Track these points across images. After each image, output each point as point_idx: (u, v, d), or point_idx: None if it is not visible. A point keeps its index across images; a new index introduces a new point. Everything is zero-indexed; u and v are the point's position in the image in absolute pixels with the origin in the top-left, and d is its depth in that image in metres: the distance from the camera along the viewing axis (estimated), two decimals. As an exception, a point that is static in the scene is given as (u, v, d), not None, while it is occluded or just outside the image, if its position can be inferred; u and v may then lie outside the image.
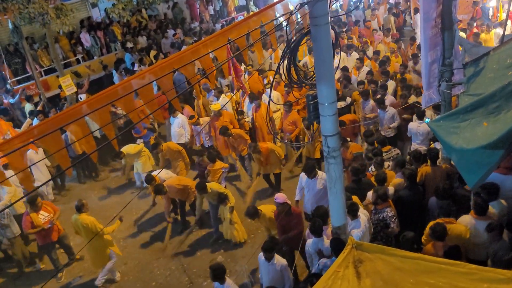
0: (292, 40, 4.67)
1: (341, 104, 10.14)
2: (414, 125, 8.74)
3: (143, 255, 8.79)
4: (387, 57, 12.46)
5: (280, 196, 6.81)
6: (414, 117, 9.00)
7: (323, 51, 4.44)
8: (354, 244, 3.78)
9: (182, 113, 11.12)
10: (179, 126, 10.91)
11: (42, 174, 10.03)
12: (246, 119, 11.19)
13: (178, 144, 10.92)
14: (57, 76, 14.09)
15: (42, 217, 7.99)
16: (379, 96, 9.87)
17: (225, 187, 9.20)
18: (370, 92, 10.49)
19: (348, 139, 8.70)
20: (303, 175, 7.69)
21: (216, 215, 8.54)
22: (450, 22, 6.14)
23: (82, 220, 7.61)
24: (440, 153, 7.26)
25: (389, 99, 9.97)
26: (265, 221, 7.35)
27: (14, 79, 14.99)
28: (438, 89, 6.52)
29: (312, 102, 4.96)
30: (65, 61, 15.89)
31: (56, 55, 14.00)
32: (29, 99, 13.36)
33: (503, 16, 13.41)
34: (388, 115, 9.43)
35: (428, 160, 7.24)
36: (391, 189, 7.05)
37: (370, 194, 7.04)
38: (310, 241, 6.34)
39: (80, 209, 7.68)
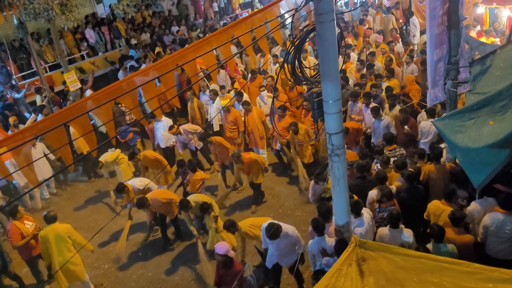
0: (297, 37, 4.64)
1: None
2: (427, 124, 8.66)
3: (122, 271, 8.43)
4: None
5: (221, 246, 6.29)
6: (426, 115, 8.91)
7: (328, 49, 4.40)
8: (357, 242, 3.76)
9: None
10: (165, 130, 10.66)
11: (41, 170, 9.95)
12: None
13: (166, 148, 10.90)
14: (62, 72, 14.12)
15: (28, 225, 7.55)
16: (374, 104, 9.48)
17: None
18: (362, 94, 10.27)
19: (346, 146, 8.47)
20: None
21: (200, 226, 8.43)
22: (456, 20, 6.10)
23: (58, 230, 7.21)
24: (444, 151, 7.23)
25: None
26: (242, 235, 7.13)
27: (19, 75, 15.04)
28: (444, 87, 6.48)
29: (316, 99, 4.94)
30: (70, 57, 15.92)
31: (61, 51, 14.03)
32: (38, 91, 13.45)
33: (488, 24, 13.19)
34: (383, 124, 9.00)
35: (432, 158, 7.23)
36: (392, 188, 7.03)
37: (372, 192, 7.02)
38: (312, 241, 6.32)
39: (51, 220, 7.27)
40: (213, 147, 9.71)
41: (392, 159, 7.89)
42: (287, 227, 6.49)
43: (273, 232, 6.39)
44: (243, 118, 10.58)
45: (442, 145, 7.38)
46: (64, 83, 13.76)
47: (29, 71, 15.25)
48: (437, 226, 5.56)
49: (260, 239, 6.93)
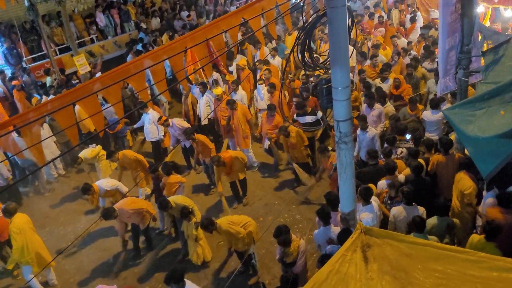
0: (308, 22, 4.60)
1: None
2: (428, 114, 8.59)
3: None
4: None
5: None
6: (428, 106, 8.87)
7: (338, 34, 4.35)
8: (363, 229, 3.74)
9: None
10: (150, 123, 10.42)
11: (49, 151, 10.00)
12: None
13: (151, 141, 10.66)
14: (72, 55, 14.15)
15: None
16: (359, 113, 9.29)
17: None
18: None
19: (330, 148, 8.24)
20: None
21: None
22: (470, 8, 6.01)
23: (16, 224, 7.23)
24: (454, 142, 7.17)
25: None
26: (222, 234, 6.96)
27: (30, 57, 15.11)
28: (455, 76, 6.41)
29: (325, 86, 4.91)
30: (79, 40, 15.94)
31: (71, 33, 14.03)
32: (48, 72, 13.51)
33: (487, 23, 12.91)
34: (368, 136, 8.33)
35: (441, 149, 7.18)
36: (401, 177, 7.01)
37: (381, 183, 7.00)
38: (317, 231, 6.33)
39: (11, 212, 7.25)
40: (196, 144, 9.53)
41: (400, 150, 7.87)
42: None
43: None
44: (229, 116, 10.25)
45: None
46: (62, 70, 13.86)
47: (39, 53, 15.31)
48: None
49: (241, 235, 6.79)
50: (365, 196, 6.13)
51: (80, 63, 12.43)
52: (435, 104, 8.34)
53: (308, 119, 9.50)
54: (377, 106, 9.11)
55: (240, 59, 12.97)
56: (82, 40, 16.19)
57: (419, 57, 11.55)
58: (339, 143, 4.84)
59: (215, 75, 12.24)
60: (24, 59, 14.91)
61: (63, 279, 8.11)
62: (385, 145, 7.93)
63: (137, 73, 4.81)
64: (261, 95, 11.21)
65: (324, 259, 5.17)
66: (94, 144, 10.23)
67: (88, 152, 9.80)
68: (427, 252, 3.45)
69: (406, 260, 3.46)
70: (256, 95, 11.45)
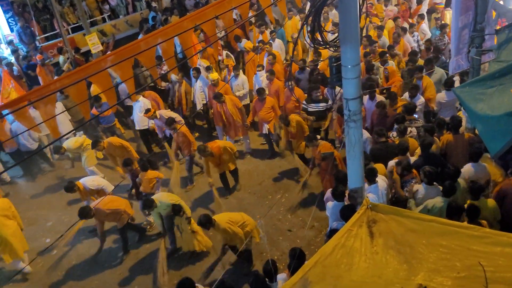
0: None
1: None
2: (443, 95, 8.52)
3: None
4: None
5: None
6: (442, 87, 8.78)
7: (349, 11, 4.34)
8: (369, 204, 3.81)
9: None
10: (141, 111, 10.17)
11: (63, 127, 10.01)
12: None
13: (141, 130, 10.43)
14: (84, 34, 14.20)
15: None
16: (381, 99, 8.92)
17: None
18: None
19: (318, 136, 8.13)
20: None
21: (170, 226, 7.72)
22: (484, -15, 5.91)
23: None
24: (464, 121, 7.14)
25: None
26: (219, 232, 6.76)
27: (43, 36, 15.20)
28: (467, 55, 6.34)
29: (335, 64, 4.91)
30: (91, 20, 15.96)
31: (83, 12, 14.04)
32: (60, 51, 13.61)
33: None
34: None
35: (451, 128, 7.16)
36: (413, 159, 7.01)
37: (391, 162, 7.02)
38: (331, 204, 6.42)
39: None
40: (177, 135, 9.18)
41: (409, 129, 7.85)
42: None
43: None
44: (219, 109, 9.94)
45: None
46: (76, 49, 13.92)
47: (52, 33, 15.39)
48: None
49: (239, 236, 6.63)
50: (369, 177, 6.16)
51: (92, 42, 12.47)
52: (450, 84, 8.27)
53: (322, 106, 9.30)
54: (379, 97, 8.96)
55: (245, 42, 12.68)
56: (94, 19, 16.20)
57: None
58: (348, 121, 4.86)
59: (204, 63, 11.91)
60: (38, 38, 15.01)
61: (37, 276, 7.97)
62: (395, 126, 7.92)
63: (147, 50, 4.85)
64: (259, 82, 10.88)
65: (332, 233, 5.24)
66: (81, 132, 10.09)
67: (71, 142, 9.60)
68: (432, 228, 3.50)
69: (411, 236, 3.52)
70: (254, 82, 11.09)
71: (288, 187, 9.19)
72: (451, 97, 8.18)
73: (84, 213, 7.32)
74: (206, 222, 6.49)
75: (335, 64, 4.91)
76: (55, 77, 12.00)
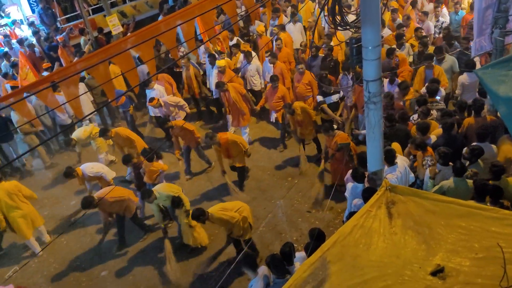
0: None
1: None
2: (465, 77, 8.40)
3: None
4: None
5: None
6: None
7: (370, -9, 4.30)
8: (388, 186, 3.83)
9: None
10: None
11: (85, 108, 10.16)
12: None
13: (156, 116, 10.35)
14: (104, 16, 14.30)
15: None
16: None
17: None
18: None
19: (335, 126, 7.98)
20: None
21: (175, 216, 7.68)
22: (510, -36, 5.76)
23: (7, 187, 7.67)
24: (485, 104, 7.05)
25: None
26: (215, 222, 6.68)
27: (64, 17, 15.35)
28: (490, 36, 6.21)
29: (355, 45, 4.88)
30: (111, 1, 16.03)
31: (103, -7, 14.12)
32: (82, 32, 13.75)
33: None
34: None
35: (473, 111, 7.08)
36: (433, 138, 6.99)
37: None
38: (350, 185, 6.46)
39: None
40: (175, 131, 9.04)
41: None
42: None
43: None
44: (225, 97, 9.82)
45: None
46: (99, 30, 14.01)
47: (72, 14, 15.53)
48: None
49: (234, 222, 6.54)
50: (387, 158, 6.15)
51: (113, 23, 12.55)
52: (472, 65, 8.13)
53: (334, 98, 9.22)
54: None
55: (258, 25, 12.26)
56: (114, 0, 16.28)
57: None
58: (368, 103, 4.85)
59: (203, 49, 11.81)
60: (59, 19, 15.17)
61: (43, 264, 8.10)
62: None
63: (168, 31, 4.89)
64: (268, 68, 10.66)
65: (350, 215, 5.29)
66: (88, 121, 10.18)
67: (81, 133, 9.66)
68: (451, 209, 3.52)
69: (429, 217, 3.55)
70: (264, 69, 10.89)
71: (307, 171, 9.17)
72: (473, 79, 8.06)
73: (87, 203, 7.29)
74: (199, 215, 6.42)
75: (355, 46, 4.88)
76: (76, 59, 12.18)
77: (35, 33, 14.64)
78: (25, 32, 15.82)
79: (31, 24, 15.58)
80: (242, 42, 12.09)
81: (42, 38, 14.52)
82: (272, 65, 10.34)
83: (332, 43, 10.64)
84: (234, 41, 12.14)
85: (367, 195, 5.37)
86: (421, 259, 3.30)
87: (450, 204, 3.55)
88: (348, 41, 4.99)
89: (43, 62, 13.23)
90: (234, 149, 8.35)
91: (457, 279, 3.11)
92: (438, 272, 3.18)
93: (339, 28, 5.14)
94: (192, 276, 7.26)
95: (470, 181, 5.84)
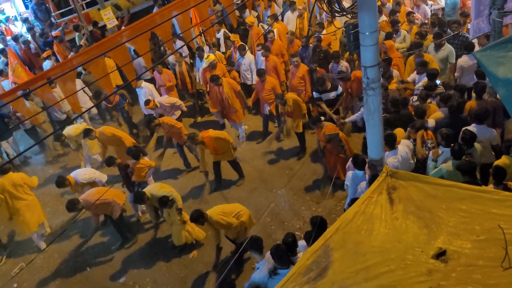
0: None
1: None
2: (465, 59, 8.36)
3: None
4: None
5: None
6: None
7: (366, -23, 4.27)
8: (388, 172, 3.84)
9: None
10: (146, 96, 10.01)
11: (85, 107, 10.20)
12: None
13: (150, 116, 9.73)
14: (98, 9, 14.20)
15: None
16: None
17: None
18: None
19: (322, 118, 7.86)
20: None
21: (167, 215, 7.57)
22: None
23: (14, 179, 7.75)
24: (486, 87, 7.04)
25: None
26: (213, 225, 6.65)
27: (58, 12, 15.25)
28: (488, 17, 6.18)
29: (352, 31, 4.85)
30: (105, -6, 15.92)
31: (97, -13, 14.04)
32: (76, 28, 13.67)
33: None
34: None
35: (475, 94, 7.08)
36: (431, 122, 6.98)
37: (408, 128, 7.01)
38: (351, 173, 6.46)
39: (4, 171, 7.64)
40: (163, 128, 8.94)
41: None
42: None
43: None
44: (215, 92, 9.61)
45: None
46: (93, 24, 13.92)
47: (66, 8, 15.42)
48: None
49: (234, 226, 6.54)
50: (388, 142, 6.15)
51: (107, 17, 12.46)
52: (471, 48, 8.09)
53: (331, 95, 8.86)
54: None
55: (248, 16, 11.96)
56: (108, -7, 16.16)
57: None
58: (367, 89, 4.84)
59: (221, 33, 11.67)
60: (53, 14, 15.07)
61: (49, 261, 8.11)
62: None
63: (164, 23, 4.86)
64: (261, 61, 10.42)
65: (352, 202, 5.30)
66: (82, 120, 10.04)
67: (72, 129, 9.43)
68: (452, 193, 3.53)
69: (431, 201, 3.56)
70: (256, 62, 10.65)
71: (307, 160, 9.18)
72: (474, 61, 8.03)
73: (72, 206, 7.20)
74: (199, 217, 6.40)
75: (352, 32, 4.86)
76: (71, 54, 12.13)
77: (30, 29, 14.57)
78: (19, 28, 15.75)
79: (25, 20, 15.50)
80: (230, 34, 11.79)
81: (37, 34, 14.45)
82: (264, 58, 10.14)
83: (325, 32, 10.51)
84: (221, 33, 11.88)
85: (373, 180, 5.38)
86: (422, 243, 3.32)
87: (451, 188, 3.56)
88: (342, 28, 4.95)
89: (39, 58, 13.20)
90: (220, 145, 8.26)
91: (458, 261, 3.13)
92: (440, 255, 3.20)
93: (335, 14, 5.11)
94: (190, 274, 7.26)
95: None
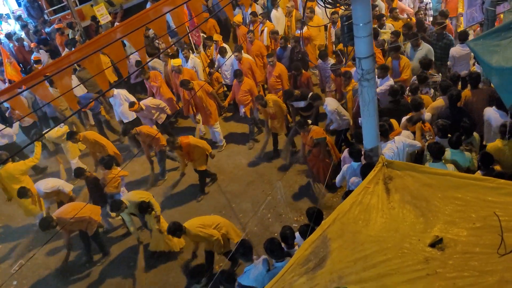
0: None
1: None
2: (457, 49, 8.38)
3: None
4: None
5: None
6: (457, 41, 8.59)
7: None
8: (384, 162, 3.87)
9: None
10: (122, 103, 9.76)
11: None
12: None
13: (133, 121, 9.82)
14: (91, 5, 14.14)
15: None
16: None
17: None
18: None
19: (309, 121, 7.69)
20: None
21: (147, 225, 7.43)
22: None
23: (10, 171, 7.89)
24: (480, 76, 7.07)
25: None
26: (192, 238, 6.52)
27: (51, 9, 15.17)
28: (481, 6, 6.20)
29: (346, 23, 4.86)
30: (98, -10, 15.83)
31: (89, -17, 13.99)
32: (70, 26, 13.62)
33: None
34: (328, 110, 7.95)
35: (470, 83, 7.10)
36: (427, 115, 7.00)
37: (404, 119, 7.03)
38: (347, 166, 6.48)
39: (1, 161, 7.71)
40: (141, 137, 8.76)
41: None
42: None
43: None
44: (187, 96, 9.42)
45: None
46: (92, 18, 13.87)
47: (59, 5, 15.34)
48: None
49: (215, 238, 6.36)
50: (382, 133, 6.17)
51: (101, 13, 12.41)
52: (464, 37, 8.11)
53: (301, 104, 8.61)
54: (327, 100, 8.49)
55: (236, 15, 11.69)
56: (100, -11, 16.07)
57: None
58: (362, 80, 4.86)
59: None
60: (46, 11, 14.99)
61: (48, 257, 8.09)
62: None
63: (158, 18, 4.86)
64: (235, 63, 10.09)
65: (347, 194, 5.34)
66: (62, 124, 9.80)
67: (53, 132, 9.20)
68: (447, 182, 3.57)
69: (426, 190, 3.60)
70: (233, 63, 10.27)
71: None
72: (466, 50, 8.06)
73: (46, 224, 6.97)
74: (176, 230, 6.23)
75: (346, 23, 4.87)
76: (66, 50, 12.09)
77: (24, 26, 14.50)
78: (12, 26, 15.66)
79: (18, 18, 15.42)
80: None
81: (31, 31, 14.38)
82: (238, 61, 9.89)
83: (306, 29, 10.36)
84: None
85: (365, 170, 5.41)
86: (419, 232, 3.36)
87: (446, 177, 3.60)
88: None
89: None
90: (196, 153, 8.17)
91: (455, 249, 3.17)
92: (436, 243, 3.23)
93: (328, 6, 5.11)
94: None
95: (467, 153, 5.90)
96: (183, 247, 7.51)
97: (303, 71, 9.24)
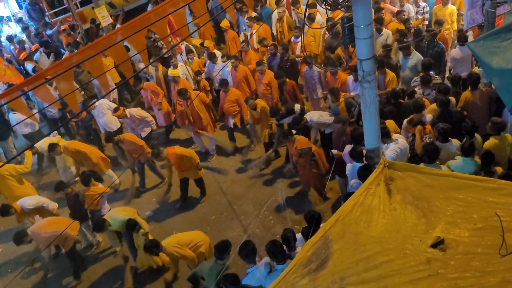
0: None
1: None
2: (457, 51, 8.40)
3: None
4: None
5: None
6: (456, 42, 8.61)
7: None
8: (386, 163, 3.88)
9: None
10: (105, 113, 9.59)
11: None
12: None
13: (118, 130, 9.68)
14: (93, 8, 14.17)
15: None
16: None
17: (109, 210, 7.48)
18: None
19: (294, 131, 7.62)
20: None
21: (131, 243, 7.13)
22: None
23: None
24: (481, 77, 7.09)
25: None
26: (167, 255, 6.40)
27: (52, 11, 15.21)
28: (482, 8, 6.21)
29: (347, 24, 4.88)
30: (99, -8, 15.87)
31: (90, -15, 14.02)
32: (72, 28, 13.69)
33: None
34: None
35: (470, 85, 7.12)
36: (428, 117, 7.01)
37: (405, 122, 7.04)
38: (350, 166, 6.49)
39: None
40: (124, 145, 8.53)
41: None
42: None
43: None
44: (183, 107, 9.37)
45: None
46: (92, 20, 13.91)
47: (60, 8, 15.38)
48: None
49: (190, 259, 6.28)
50: (383, 135, 6.18)
51: (102, 15, 12.45)
52: (464, 39, 8.13)
53: (288, 120, 8.33)
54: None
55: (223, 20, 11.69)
56: (102, -9, 16.12)
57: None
58: (363, 81, 4.88)
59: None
60: (47, 13, 15.02)
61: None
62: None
63: (160, 20, 4.88)
64: (225, 71, 9.96)
65: (347, 196, 5.35)
66: (55, 132, 9.76)
67: (44, 142, 8.92)
68: (449, 182, 3.58)
69: (428, 191, 3.60)
70: (222, 72, 10.13)
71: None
72: (466, 52, 8.07)
73: (20, 238, 6.79)
74: (152, 247, 6.10)
75: (347, 25, 4.89)
76: (67, 52, 12.12)
77: (25, 29, 14.53)
78: (13, 28, 15.69)
79: (19, 21, 15.45)
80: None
81: (32, 34, 14.41)
82: (234, 68, 9.77)
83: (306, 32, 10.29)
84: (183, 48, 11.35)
85: (363, 172, 5.43)
86: (421, 233, 3.36)
87: (447, 177, 3.61)
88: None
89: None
90: (185, 163, 8.03)
91: (457, 250, 3.17)
92: (438, 244, 3.24)
93: (328, 8, 5.13)
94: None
95: (478, 160, 5.86)
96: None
97: (287, 79, 9.05)
